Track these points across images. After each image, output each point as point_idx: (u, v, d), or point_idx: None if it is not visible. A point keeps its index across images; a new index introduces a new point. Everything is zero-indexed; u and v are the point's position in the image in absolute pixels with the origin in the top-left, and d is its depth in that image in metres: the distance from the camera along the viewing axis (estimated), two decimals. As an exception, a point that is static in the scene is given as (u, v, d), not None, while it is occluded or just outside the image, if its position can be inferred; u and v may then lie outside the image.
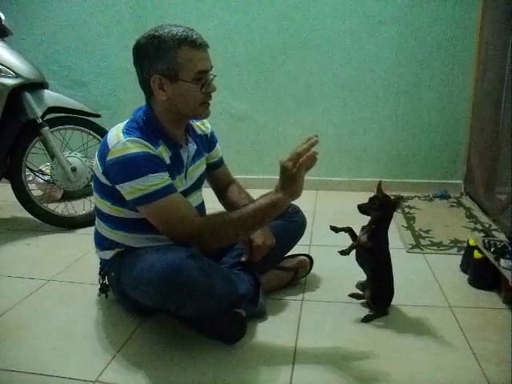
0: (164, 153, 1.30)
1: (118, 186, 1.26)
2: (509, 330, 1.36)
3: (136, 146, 1.23)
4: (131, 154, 1.22)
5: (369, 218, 1.43)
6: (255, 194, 1.61)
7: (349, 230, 1.46)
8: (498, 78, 2.43)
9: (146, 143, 1.24)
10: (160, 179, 1.24)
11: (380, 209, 1.38)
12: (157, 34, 1.24)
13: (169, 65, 1.24)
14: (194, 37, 1.25)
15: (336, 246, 1.44)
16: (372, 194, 1.41)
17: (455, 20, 2.65)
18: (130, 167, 1.22)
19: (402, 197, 1.40)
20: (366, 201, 1.41)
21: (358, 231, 1.46)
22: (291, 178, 1.21)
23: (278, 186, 1.25)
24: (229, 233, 1.29)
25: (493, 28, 2.47)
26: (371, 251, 1.41)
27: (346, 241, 1.45)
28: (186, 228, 1.27)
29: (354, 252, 1.44)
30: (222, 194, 1.63)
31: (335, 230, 1.46)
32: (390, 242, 1.44)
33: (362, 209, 1.40)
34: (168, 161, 1.31)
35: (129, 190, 1.24)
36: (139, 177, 1.22)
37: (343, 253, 1.42)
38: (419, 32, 2.70)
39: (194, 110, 1.32)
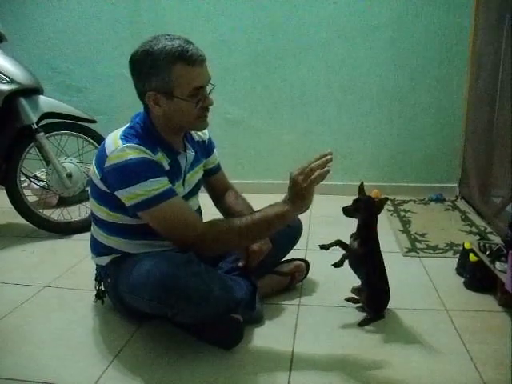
0: (162, 159, 1.30)
1: (116, 193, 1.25)
2: (505, 332, 1.36)
3: (134, 152, 1.22)
4: (130, 160, 1.21)
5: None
6: (251, 198, 1.62)
7: (338, 243, 1.44)
8: (492, 82, 2.45)
9: (145, 149, 1.24)
10: (160, 184, 1.23)
11: (364, 211, 1.38)
12: (151, 50, 1.21)
13: (163, 82, 1.22)
14: (189, 53, 1.21)
15: (332, 250, 1.44)
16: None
17: (449, 25, 2.68)
18: (129, 173, 1.22)
19: (388, 198, 1.39)
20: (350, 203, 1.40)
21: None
22: (301, 193, 1.20)
23: (286, 197, 1.23)
24: (232, 240, 1.29)
25: (486, 33, 2.49)
26: (363, 257, 1.41)
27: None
28: (189, 232, 1.27)
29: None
30: (218, 200, 1.63)
31: (325, 248, 1.43)
32: (385, 246, 1.44)
33: (347, 211, 1.39)
34: (167, 167, 1.31)
35: (129, 195, 1.23)
36: (139, 182, 1.21)
37: (336, 265, 1.41)
38: (414, 37, 2.72)
39: (191, 124, 1.33)
